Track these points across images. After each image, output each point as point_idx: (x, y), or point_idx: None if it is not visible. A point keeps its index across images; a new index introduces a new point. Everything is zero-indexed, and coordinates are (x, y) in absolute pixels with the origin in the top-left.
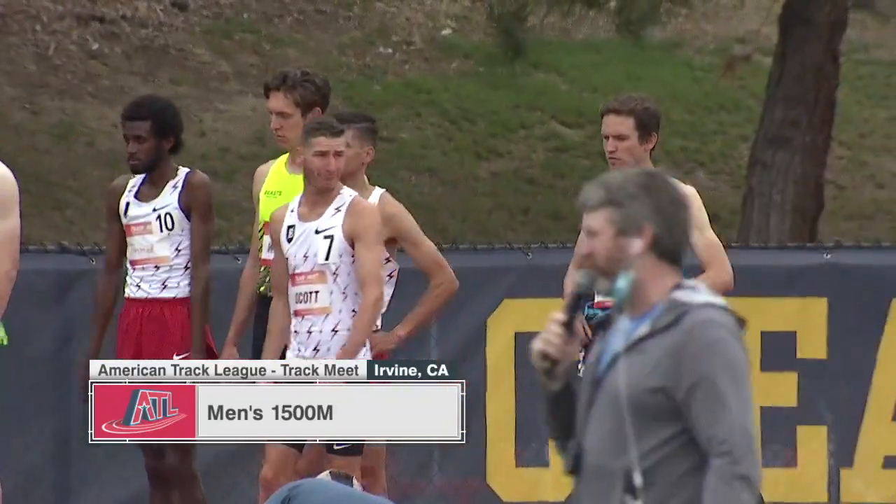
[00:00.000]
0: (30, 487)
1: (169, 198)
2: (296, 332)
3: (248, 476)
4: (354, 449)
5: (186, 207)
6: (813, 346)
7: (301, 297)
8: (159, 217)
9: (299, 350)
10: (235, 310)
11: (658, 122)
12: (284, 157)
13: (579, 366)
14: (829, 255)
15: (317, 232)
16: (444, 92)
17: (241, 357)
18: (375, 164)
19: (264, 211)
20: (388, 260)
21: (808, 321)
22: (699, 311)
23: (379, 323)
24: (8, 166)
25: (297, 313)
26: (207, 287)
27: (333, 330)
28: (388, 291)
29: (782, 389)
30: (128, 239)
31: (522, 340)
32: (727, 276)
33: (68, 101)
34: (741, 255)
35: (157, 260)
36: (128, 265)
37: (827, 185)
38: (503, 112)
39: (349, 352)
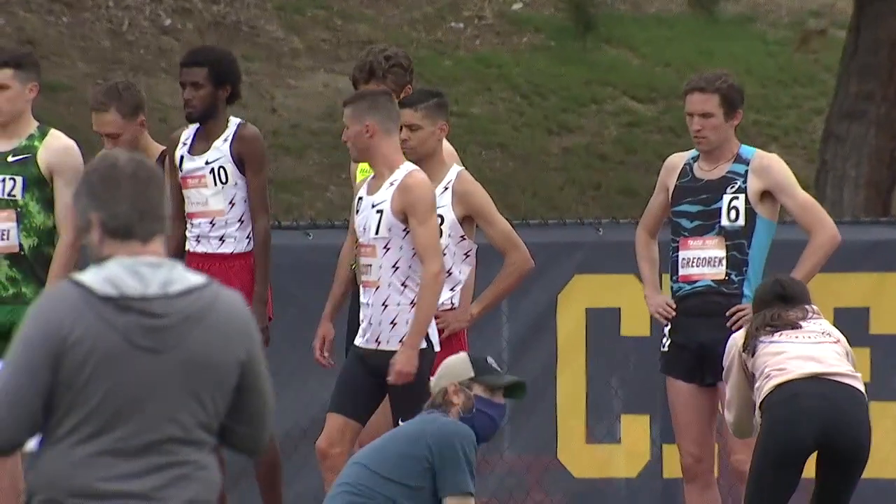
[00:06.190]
0: None
1: (220, 150)
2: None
3: None
4: None
5: (239, 160)
6: (887, 321)
7: (363, 269)
8: (213, 171)
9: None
10: (333, 285)
11: (742, 98)
12: None
13: (664, 340)
14: None
15: (373, 206)
16: (515, 67)
17: (336, 333)
18: (446, 139)
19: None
20: (463, 238)
21: (881, 296)
22: None
23: (456, 300)
24: (82, 142)
25: (361, 284)
26: (268, 237)
27: (383, 304)
28: (466, 270)
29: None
30: (183, 192)
31: (593, 316)
32: (833, 233)
33: (141, 77)
34: None
35: (213, 213)
36: (186, 217)
37: None
38: (574, 87)
39: (410, 344)
